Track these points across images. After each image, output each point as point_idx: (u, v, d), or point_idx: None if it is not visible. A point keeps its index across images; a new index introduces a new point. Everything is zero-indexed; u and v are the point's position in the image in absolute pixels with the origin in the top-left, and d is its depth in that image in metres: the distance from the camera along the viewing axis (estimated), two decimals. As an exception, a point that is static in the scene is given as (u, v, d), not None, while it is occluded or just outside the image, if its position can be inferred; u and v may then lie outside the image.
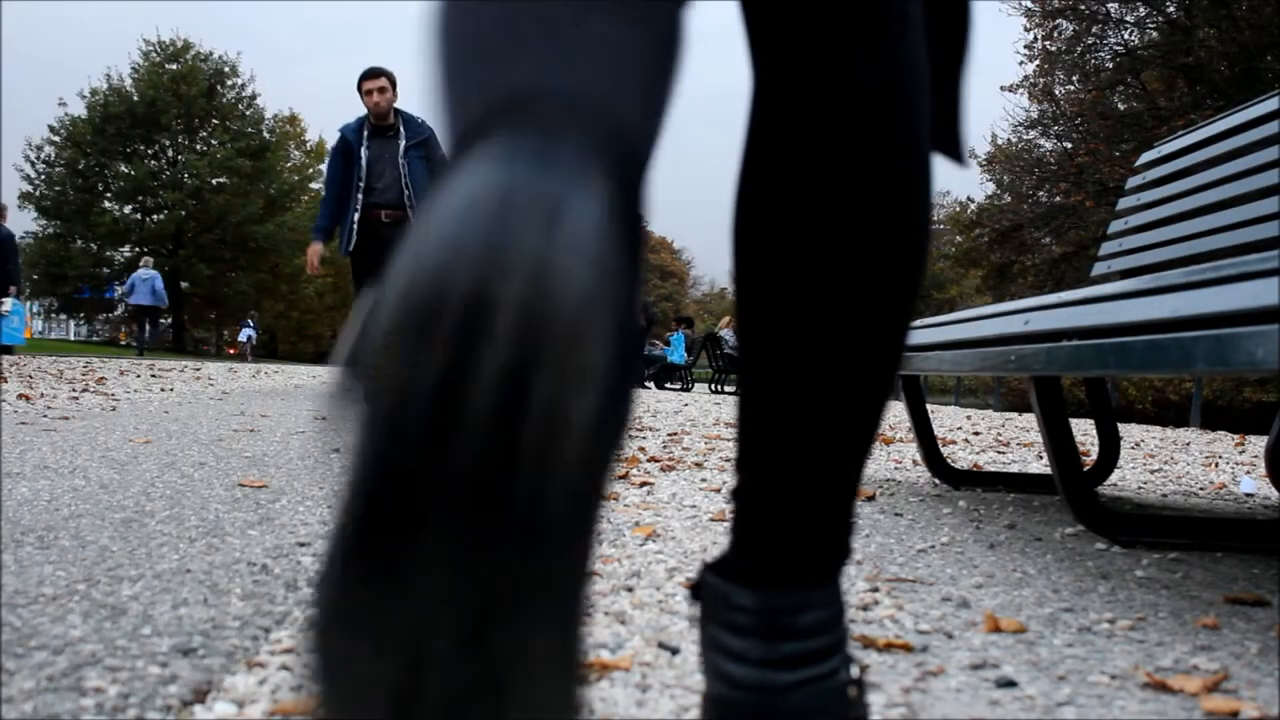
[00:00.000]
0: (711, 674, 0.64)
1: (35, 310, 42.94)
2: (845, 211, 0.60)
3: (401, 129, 5.70)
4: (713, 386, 14.85)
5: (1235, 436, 6.25)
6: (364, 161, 5.59)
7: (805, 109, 0.61)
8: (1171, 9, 18.26)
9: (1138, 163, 2.90)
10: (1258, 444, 5.23)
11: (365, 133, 5.66)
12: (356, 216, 5.47)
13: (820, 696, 0.61)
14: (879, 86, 0.60)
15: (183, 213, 29.94)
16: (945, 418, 7.69)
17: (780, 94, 0.62)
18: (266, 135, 32.31)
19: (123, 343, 34.70)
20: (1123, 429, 6.07)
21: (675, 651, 1.07)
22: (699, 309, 56.65)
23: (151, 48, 30.99)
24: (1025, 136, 20.82)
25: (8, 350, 11.80)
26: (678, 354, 15.46)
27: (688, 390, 14.50)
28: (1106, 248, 2.87)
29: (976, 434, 5.55)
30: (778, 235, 0.62)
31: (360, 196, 5.53)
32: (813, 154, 0.61)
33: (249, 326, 29.12)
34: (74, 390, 5.48)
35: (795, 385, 0.64)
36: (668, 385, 15.23)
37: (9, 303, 11.81)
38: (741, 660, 0.62)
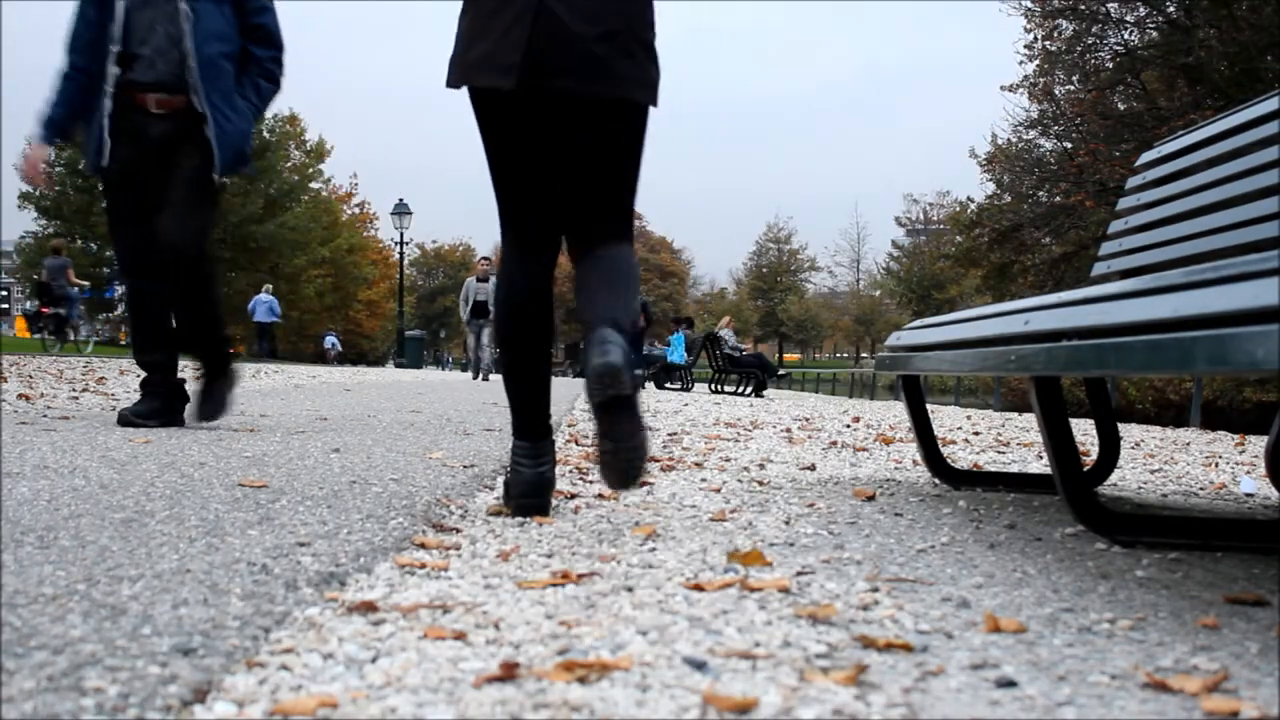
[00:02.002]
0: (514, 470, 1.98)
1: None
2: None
3: None
4: (713, 386, 14.86)
5: (1235, 436, 6.25)
6: (119, 8, 3.32)
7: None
8: (1171, 9, 18.25)
9: (1138, 163, 2.90)
10: (1258, 444, 5.23)
11: None
12: (108, 108, 3.32)
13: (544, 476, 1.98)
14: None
15: (183, 212, 29.93)
16: (945, 418, 7.69)
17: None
18: (266, 135, 32.29)
19: (122, 342, 34.76)
20: (1123, 429, 6.06)
21: (676, 651, 1.07)
22: (699, 309, 56.66)
23: (151, 48, 30.97)
24: (1025, 136, 20.82)
25: None
26: (678, 354, 15.46)
27: (688, 390, 14.50)
28: (1106, 248, 2.87)
29: (976, 434, 5.55)
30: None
31: (115, 71, 3.31)
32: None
33: (332, 335, 32.60)
34: (74, 390, 5.48)
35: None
36: (668, 385, 15.22)
37: None
38: (524, 464, 1.97)
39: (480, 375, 13.66)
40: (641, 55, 1.96)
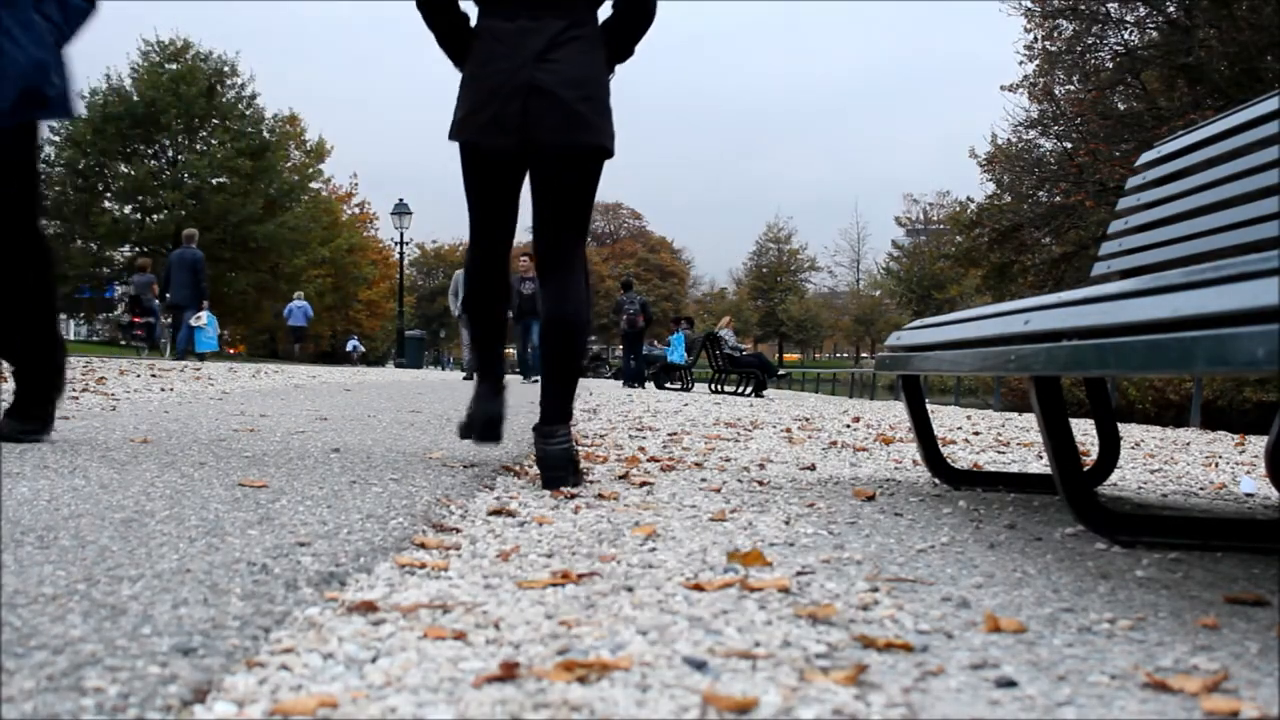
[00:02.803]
0: (540, 447, 2.43)
1: (35, 310, 42.95)
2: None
3: None
4: (713, 386, 14.85)
5: (1235, 436, 6.25)
6: None
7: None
8: (1171, 9, 18.27)
9: (1138, 163, 2.90)
10: (1258, 444, 5.23)
11: None
12: None
13: (564, 450, 2.42)
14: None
15: (183, 213, 29.89)
16: (945, 418, 7.69)
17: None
18: (266, 135, 32.28)
19: (121, 343, 34.92)
20: (1123, 429, 6.05)
21: (676, 651, 1.07)
22: (699, 309, 56.67)
23: (151, 48, 30.98)
24: (1025, 136, 20.84)
25: (202, 357, 13.96)
26: (678, 354, 15.46)
27: (688, 390, 14.50)
28: (1106, 248, 2.87)
29: (976, 434, 5.55)
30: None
31: None
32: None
33: (354, 339, 36.07)
34: (74, 390, 5.48)
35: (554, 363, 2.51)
36: (668, 385, 15.22)
37: (205, 315, 14.03)
38: (546, 440, 2.41)
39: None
40: (607, 113, 2.50)
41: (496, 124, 2.41)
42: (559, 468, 2.41)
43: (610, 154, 2.54)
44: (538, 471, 2.50)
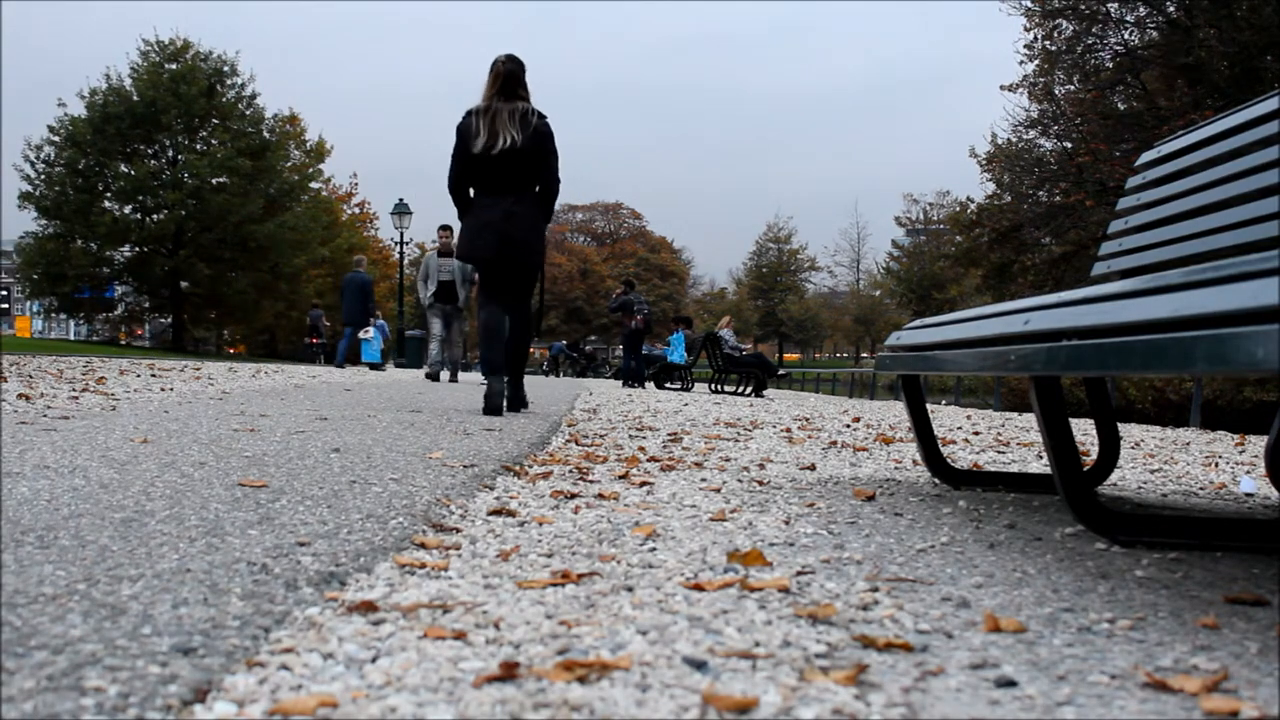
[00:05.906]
0: (508, 394, 5.26)
1: (35, 310, 43.16)
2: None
3: None
4: (713, 386, 14.85)
5: (1235, 436, 6.25)
6: None
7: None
8: (1171, 9, 18.27)
9: (1138, 163, 2.90)
10: (1258, 444, 5.23)
11: None
12: None
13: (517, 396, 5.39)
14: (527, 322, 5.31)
15: (183, 213, 29.91)
16: (945, 418, 7.69)
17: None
18: (266, 135, 32.28)
19: (122, 342, 34.94)
20: (1123, 429, 6.05)
21: (676, 651, 1.07)
22: (699, 309, 56.70)
23: (151, 48, 30.97)
24: (1025, 136, 20.84)
25: (374, 366, 16.86)
26: (678, 354, 15.46)
27: (688, 390, 14.50)
28: (1106, 248, 2.86)
29: (976, 434, 5.54)
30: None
31: None
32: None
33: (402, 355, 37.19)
34: (74, 390, 5.48)
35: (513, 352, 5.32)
36: (668, 385, 15.22)
37: (371, 330, 17.16)
38: (514, 390, 5.33)
39: (450, 375, 11.16)
40: (542, 242, 5.07)
41: (484, 248, 4.90)
42: (511, 400, 5.20)
43: (544, 259, 5.18)
44: (537, 471, 2.51)
